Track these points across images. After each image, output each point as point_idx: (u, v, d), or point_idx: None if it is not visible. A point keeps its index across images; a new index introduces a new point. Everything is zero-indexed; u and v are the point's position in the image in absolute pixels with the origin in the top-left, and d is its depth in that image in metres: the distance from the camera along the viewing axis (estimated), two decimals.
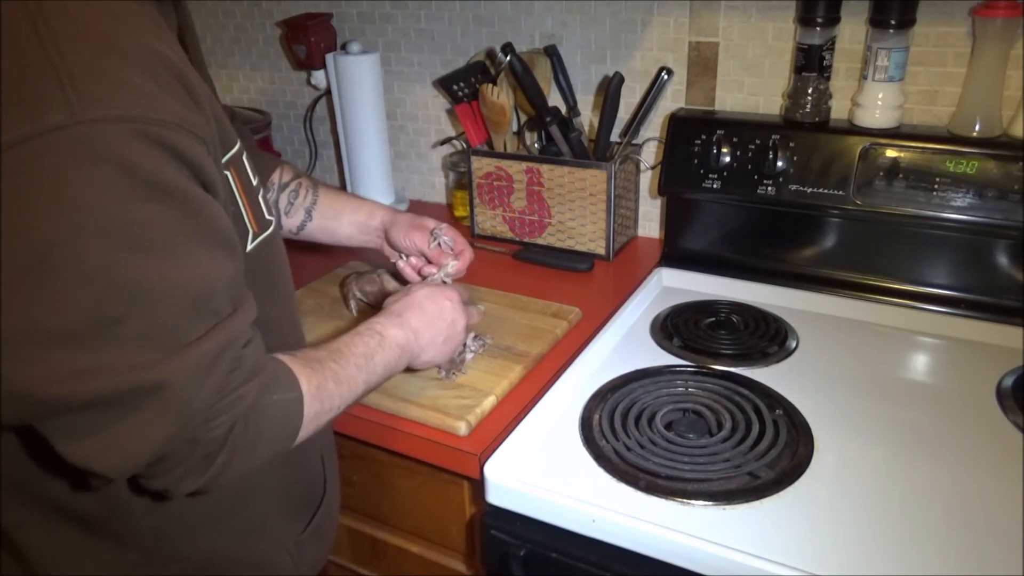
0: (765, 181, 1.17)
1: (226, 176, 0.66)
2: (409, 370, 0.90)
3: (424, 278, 1.04)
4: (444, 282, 1.01)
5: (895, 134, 1.12)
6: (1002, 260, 1.08)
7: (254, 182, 0.72)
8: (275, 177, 1.04)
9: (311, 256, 1.37)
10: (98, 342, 0.53)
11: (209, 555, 0.76)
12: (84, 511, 0.70)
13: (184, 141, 0.55)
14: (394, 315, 0.86)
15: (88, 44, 0.53)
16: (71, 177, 0.51)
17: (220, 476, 0.60)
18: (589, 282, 1.31)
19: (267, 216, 0.74)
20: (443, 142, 1.61)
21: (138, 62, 0.55)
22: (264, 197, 0.74)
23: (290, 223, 1.05)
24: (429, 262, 1.04)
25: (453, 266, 1.01)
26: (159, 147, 0.53)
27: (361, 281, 1.17)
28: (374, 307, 1.18)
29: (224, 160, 0.65)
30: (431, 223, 1.05)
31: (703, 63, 1.30)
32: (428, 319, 0.88)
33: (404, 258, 1.06)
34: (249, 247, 0.71)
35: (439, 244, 1.03)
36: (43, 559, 0.73)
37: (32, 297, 0.51)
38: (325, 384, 0.70)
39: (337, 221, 1.06)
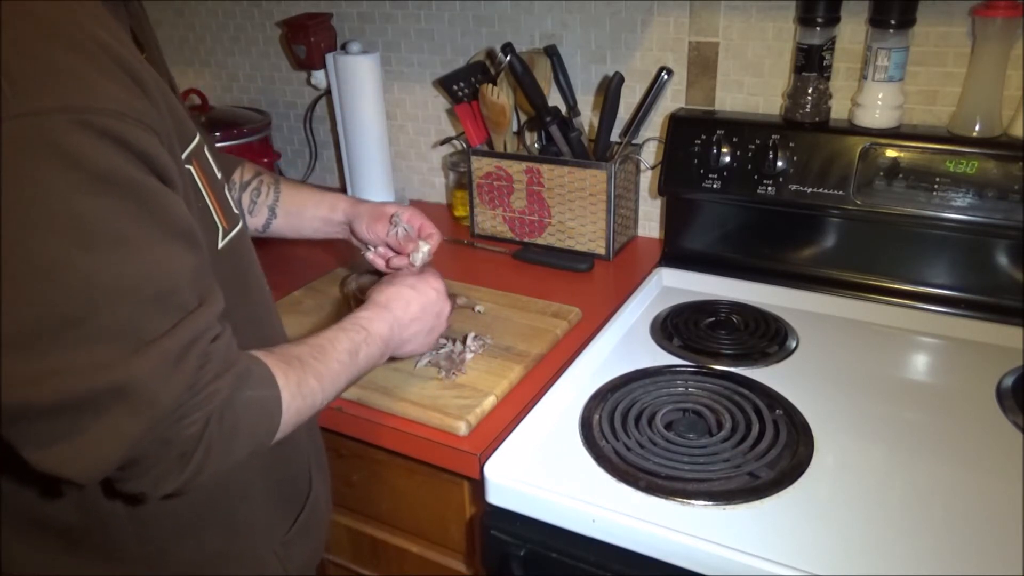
0: (765, 181, 1.17)
1: (188, 171, 0.63)
2: (392, 359, 0.89)
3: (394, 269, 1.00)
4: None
5: (895, 134, 1.12)
6: (1002, 260, 1.08)
7: (219, 176, 0.70)
8: (236, 176, 1.02)
9: (311, 256, 1.37)
10: (56, 344, 0.51)
11: (194, 558, 0.75)
12: (66, 524, 0.68)
13: (130, 130, 0.53)
14: (380, 307, 0.85)
15: (23, 32, 0.51)
16: (13, 174, 0.49)
17: (197, 475, 0.58)
18: (589, 282, 1.31)
19: (235, 211, 0.72)
20: (443, 142, 1.61)
21: (77, 49, 0.52)
22: (230, 193, 0.73)
23: (255, 222, 1.03)
24: (395, 251, 1.01)
25: (427, 251, 0.97)
26: (103, 137, 0.51)
27: (361, 281, 1.17)
28: None
29: (185, 154, 0.63)
30: (391, 209, 1.01)
31: (703, 63, 1.30)
32: (415, 312, 0.88)
33: (373, 249, 1.03)
34: (221, 244, 0.69)
35: (398, 232, 0.99)
36: None
37: None
38: (306, 380, 0.69)
39: (300, 217, 1.04)
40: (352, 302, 1.18)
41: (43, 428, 0.52)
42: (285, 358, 0.69)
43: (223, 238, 0.69)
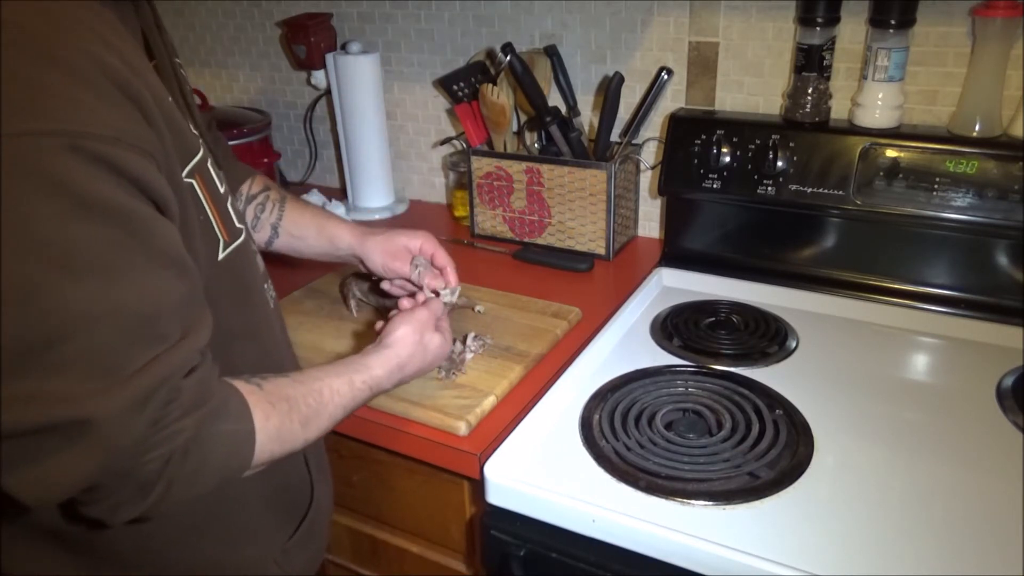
0: (765, 181, 1.17)
1: (191, 185, 0.63)
2: None
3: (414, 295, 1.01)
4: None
5: (895, 134, 1.12)
6: (1002, 260, 1.08)
7: (221, 189, 0.69)
8: (244, 188, 1.01)
9: None
10: (30, 368, 0.50)
11: (193, 562, 0.74)
12: (63, 527, 0.68)
13: (124, 155, 0.52)
14: (396, 367, 0.84)
15: (18, 51, 0.50)
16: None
17: (159, 505, 0.58)
18: (589, 282, 1.31)
19: (237, 224, 0.72)
20: (443, 142, 1.61)
21: (73, 71, 0.51)
22: (234, 205, 0.72)
23: (259, 238, 1.02)
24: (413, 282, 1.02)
25: (456, 292, 0.99)
26: (94, 162, 0.51)
27: (361, 281, 1.17)
28: (374, 307, 1.18)
29: (187, 170, 0.63)
30: (401, 240, 1.01)
31: (703, 63, 1.30)
32: (423, 366, 0.88)
33: (390, 281, 1.04)
34: (220, 256, 0.69)
35: (419, 273, 1.00)
36: None
37: None
38: (289, 426, 0.68)
39: (303, 243, 1.04)
40: (352, 302, 1.18)
41: (3, 451, 0.51)
42: (272, 398, 0.67)
43: (223, 250, 0.69)
